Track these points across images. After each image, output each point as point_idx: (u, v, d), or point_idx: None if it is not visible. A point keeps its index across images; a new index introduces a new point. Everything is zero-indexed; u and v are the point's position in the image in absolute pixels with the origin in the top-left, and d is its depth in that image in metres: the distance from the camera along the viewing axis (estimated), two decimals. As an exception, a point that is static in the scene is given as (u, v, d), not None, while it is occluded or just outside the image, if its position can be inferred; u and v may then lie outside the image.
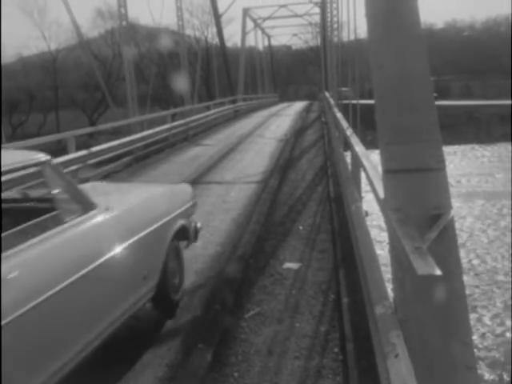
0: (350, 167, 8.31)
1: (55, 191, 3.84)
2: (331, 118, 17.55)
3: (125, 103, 20.42)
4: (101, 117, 51.26)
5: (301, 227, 8.08)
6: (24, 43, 79.69)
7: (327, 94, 26.82)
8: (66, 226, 3.59)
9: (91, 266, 3.55)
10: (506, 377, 7.36)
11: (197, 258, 6.95)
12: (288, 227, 8.10)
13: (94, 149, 13.44)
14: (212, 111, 27.09)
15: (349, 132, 8.53)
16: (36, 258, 3.22)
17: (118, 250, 3.97)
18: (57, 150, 14.25)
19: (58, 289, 3.22)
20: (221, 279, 6.11)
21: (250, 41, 50.67)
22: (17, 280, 2.96)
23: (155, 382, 4.05)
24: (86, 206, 3.89)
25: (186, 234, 5.43)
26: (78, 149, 12.77)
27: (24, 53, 63.69)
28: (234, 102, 34.29)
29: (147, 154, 16.82)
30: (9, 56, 60.27)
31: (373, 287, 3.78)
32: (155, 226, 4.61)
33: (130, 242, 4.16)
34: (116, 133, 22.73)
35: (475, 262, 11.93)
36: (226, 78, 35.35)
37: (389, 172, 3.59)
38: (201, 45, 36.79)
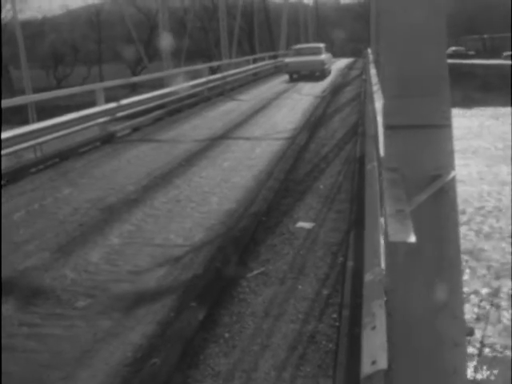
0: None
1: None
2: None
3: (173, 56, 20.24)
4: (144, 70, 51.23)
5: (321, 186, 7.81)
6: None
7: (369, 51, 25.94)
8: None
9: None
10: None
11: (210, 213, 6.81)
12: (308, 185, 7.84)
13: (124, 101, 13.35)
14: (251, 66, 26.57)
15: (375, 88, 8.11)
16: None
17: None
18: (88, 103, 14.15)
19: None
20: (229, 237, 5.94)
21: (296, -6, 49.23)
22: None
23: (142, 339, 3.95)
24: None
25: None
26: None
27: (70, 5, 63.88)
28: (274, 57, 33.55)
29: (180, 107, 16.64)
30: (55, 8, 60.60)
31: (369, 252, 3.52)
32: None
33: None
34: (158, 86, 22.64)
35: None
36: (268, 33, 34.52)
37: (389, 128, 3.29)
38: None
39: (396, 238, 2.11)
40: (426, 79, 3.28)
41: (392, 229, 2.18)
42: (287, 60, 28.05)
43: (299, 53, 28.12)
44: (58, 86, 48.46)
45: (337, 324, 4.05)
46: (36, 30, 54.31)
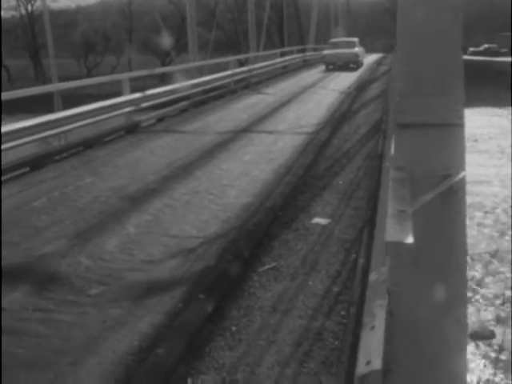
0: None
1: None
2: (398, 70, 16.67)
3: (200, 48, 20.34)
4: (173, 61, 51.52)
5: (340, 182, 7.76)
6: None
7: (399, 46, 25.58)
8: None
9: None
10: None
11: (226, 206, 6.83)
12: (327, 181, 7.80)
13: (149, 92, 13.44)
14: (279, 59, 26.50)
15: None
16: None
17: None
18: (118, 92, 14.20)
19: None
20: (243, 230, 5.95)
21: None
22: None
23: (149, 328, 3.99)
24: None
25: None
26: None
27: (103, -5, 64.51)
28: (303, 51, 33.37)
29: (205, 99, 16.69)
30: (88, -3, 61.29)
31: (376, 251, 3.49)
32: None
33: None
34: (187, 78, 22.72)
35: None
36: (297, 26, 34.35)
37: (401, 126, 3.25)
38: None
39: (393, 237, 2.09)
40: (440, 78, 3.23)
41: (391, 229, 2.15)
42: (325, 52, 30.86)
43: (335, 46, 30.68)
44: (89, 75, 48.99)
45: (345, 321, 4.03)
46: (69, 19, 55.06)
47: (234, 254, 5.26)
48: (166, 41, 23.54)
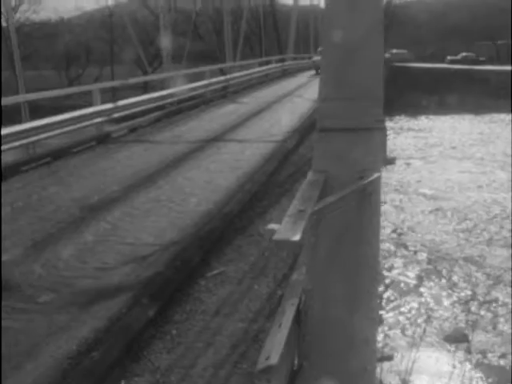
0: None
1: None
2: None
3: (177, 58, 20.49)
4: (155, 71, 51.47)
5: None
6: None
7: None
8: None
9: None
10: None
11: (185, 214, 6.91)
12: (287, 188, 7.90)
13: (121, 102, 13.51)
14: (256, 69, 26.70)
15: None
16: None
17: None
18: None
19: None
20: (198, 236, 6.03)
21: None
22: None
23: (90, 334, 4.05)
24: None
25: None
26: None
27: (85, 7, 64.48)
28: (282, 60, 33.68)
29: (179, 109, 16.77)
30: (70, 9, 61.20)
31: (305, 252, 3.59)
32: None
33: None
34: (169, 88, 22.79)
35: None
36: (275, 36, 34.66)
37: (322, 131, 3.37)
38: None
39: (280, 236, 2.18)
40: (360, 82, 3.35)
41: (282, 227, 2.25)
42: (314, 58, 33.95)
43: None
44: (70, 86, 48.81)
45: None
46: (50, 31, 54.90)
47: (184, 260, 5.33)
48: (144, 51, 23.68)
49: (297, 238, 2.14)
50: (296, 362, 2.77)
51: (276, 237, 2.17)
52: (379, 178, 3.06)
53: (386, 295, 10.21)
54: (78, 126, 11.84)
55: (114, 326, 4.14)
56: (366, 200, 3.00)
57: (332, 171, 3.14)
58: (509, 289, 10.51)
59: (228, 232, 6.22)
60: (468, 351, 8.28)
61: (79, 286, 5.02)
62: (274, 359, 2.28)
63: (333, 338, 2.79)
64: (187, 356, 3.80)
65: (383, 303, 9.74)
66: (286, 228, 2.23)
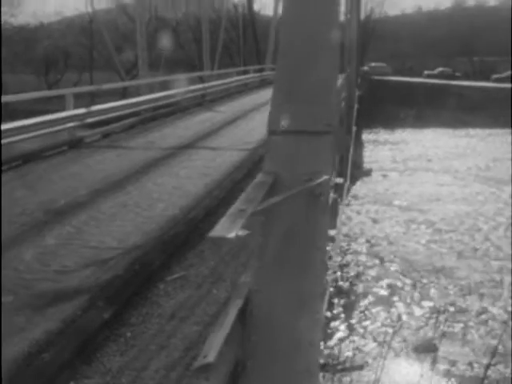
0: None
1: None
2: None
3: (157, 66, 20.47)
4: (134, 79, 51.41)
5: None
6: (64, 3, 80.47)
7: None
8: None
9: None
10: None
11: (151, 219, 6.90)
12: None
13: (95, 108, 13.45)
14: (234, 78, 26.81)
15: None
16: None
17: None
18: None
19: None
20: (162, 241, 6.03)
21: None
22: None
23: (43, 335, 4.01)
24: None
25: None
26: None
27: (65, 12, 64.19)
28: (261, 70, 33.84)
29: (154, 116, 16.75)
30: (50, 14, 60.83)
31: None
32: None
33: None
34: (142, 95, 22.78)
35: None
36: (254, 45, 34.87)
37: (272, 133, 3.41)
38: (225, 10, 36.20)
39: (216, 233, 2.21)
40: (313, 90, 3.41)
41: (220, 225, 2.28)
42: None
43: None
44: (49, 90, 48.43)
45: (237, 327, 4.13)
46: (29, 35, 54.55)
47: (144, 264, 5.33)
48: (124, 58, 23.58)
49: (232, 235, 2.16)
50: (240, 362, 2.78)
51: (212, 234, 2.20)
52: (328, 180, 3.11)
53: (357, 305, 10.30)
54: (51, 130, 11.75)
55: (67, 328, 4.11)
56: (314, 202, 3.04)
57: (281, 173, 3.18)
58: (479, 300, 10.68)
59: (193, 236, 6.23)
60: (437, 361, 8.38)
61: (37, 288, 4.98)
62: (211, 357, 2.29)
63: (278, 338, 2.81)
64: (140, 358, 3.80)
65: (355, 313, 9.82)
66: (224, 226, 2.25)
